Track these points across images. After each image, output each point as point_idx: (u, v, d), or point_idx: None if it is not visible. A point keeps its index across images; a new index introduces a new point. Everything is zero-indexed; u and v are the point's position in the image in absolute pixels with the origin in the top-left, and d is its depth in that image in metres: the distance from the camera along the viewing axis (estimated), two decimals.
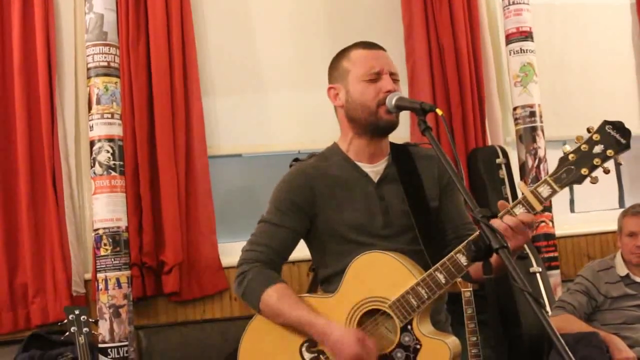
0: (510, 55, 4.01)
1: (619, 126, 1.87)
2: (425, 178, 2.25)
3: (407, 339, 2.02)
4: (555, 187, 1.89)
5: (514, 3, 3.96)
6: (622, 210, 3.50)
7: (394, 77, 2.19)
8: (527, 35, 3.97)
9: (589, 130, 1.89)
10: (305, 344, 2.11)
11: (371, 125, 2.19)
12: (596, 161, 1.86)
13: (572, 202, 4.62)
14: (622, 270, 3.35)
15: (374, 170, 2.25)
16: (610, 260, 3.43)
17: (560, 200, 4.35)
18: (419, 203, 2.21)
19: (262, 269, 2.18)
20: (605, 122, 1.89)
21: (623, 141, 1.85)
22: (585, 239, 4.35)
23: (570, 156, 1.88)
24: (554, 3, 4.61)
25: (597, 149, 1.86)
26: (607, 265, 3.40)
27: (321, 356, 2.09)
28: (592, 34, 4.67)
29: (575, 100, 4.55)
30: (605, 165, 1.87)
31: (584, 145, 1.88)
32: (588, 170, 1.86)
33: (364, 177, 2.24)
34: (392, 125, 2.19)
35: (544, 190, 1.89)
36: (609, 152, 1.86)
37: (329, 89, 2.29)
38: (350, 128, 2.25)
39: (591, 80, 4.61)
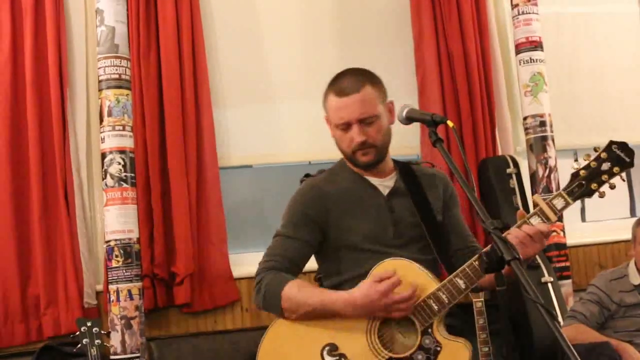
0: (520, 65, 4.00)
1: (624, 146, 2.09)
2: (430, 194, 2.38)
3: (427, 341, 2.10)
4: (568, 200, 2.09)
5: (523, 13, 3.96)
6: (635, 219, 3.48)
7: (366, 121, 2.27)
8: (536, 45, 3.96)
9: (595, 150, 2.10)
10: (327, 348, 2.15)
11: (352, 162, 2.37)
12: (604, 177, 2.07)
13: (583, 211, 4.60)
14: (635, 279, 3.33)
15: (384, 184, 2.37)
16: (624, 269, 3.41)
17: (572, 209, 4.31)
18: (428, 216, 2.34)
19: (276, 273, 2.26)
20: (612, 142, 2.10)
21: (627, 159, 2.07)
22: (597, 249, 4.33)
23: (582, 172, 2.08)
24: (563, 12, 4.61)
25: (605, 166, 2.08)
26: (621, 274, 3.38)
27: (342, 359, 2.14)
28: (602, 43, 4.65)
29: (586, 109, 4.53)
30: (612, 181, 2.07)
31: (593, 163, 2.09)
32: (597, 185, 2.08)
33: (374, 190, 2.36)
34: (369, 166, 2.34)
35: (558, 203, 2.09)
36: (616, 169, 2.07)
37: (325, 117, 2.40)
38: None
39: (601, 88, 4.59)
